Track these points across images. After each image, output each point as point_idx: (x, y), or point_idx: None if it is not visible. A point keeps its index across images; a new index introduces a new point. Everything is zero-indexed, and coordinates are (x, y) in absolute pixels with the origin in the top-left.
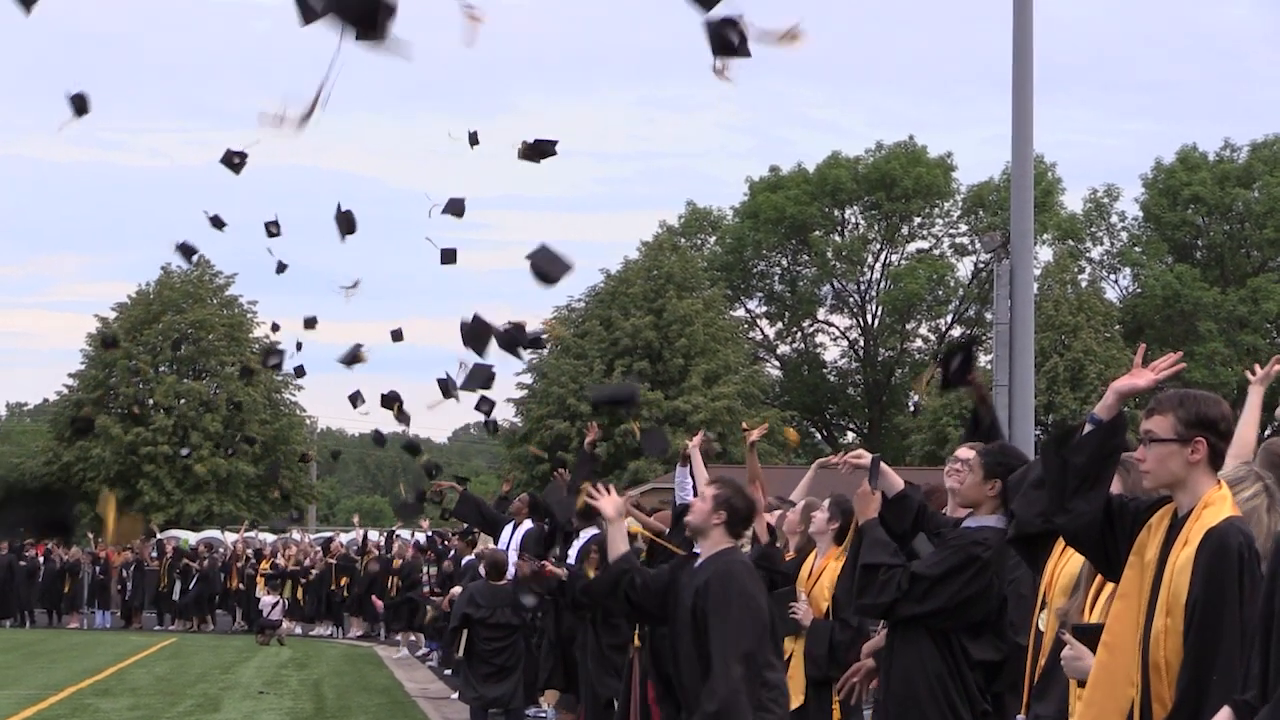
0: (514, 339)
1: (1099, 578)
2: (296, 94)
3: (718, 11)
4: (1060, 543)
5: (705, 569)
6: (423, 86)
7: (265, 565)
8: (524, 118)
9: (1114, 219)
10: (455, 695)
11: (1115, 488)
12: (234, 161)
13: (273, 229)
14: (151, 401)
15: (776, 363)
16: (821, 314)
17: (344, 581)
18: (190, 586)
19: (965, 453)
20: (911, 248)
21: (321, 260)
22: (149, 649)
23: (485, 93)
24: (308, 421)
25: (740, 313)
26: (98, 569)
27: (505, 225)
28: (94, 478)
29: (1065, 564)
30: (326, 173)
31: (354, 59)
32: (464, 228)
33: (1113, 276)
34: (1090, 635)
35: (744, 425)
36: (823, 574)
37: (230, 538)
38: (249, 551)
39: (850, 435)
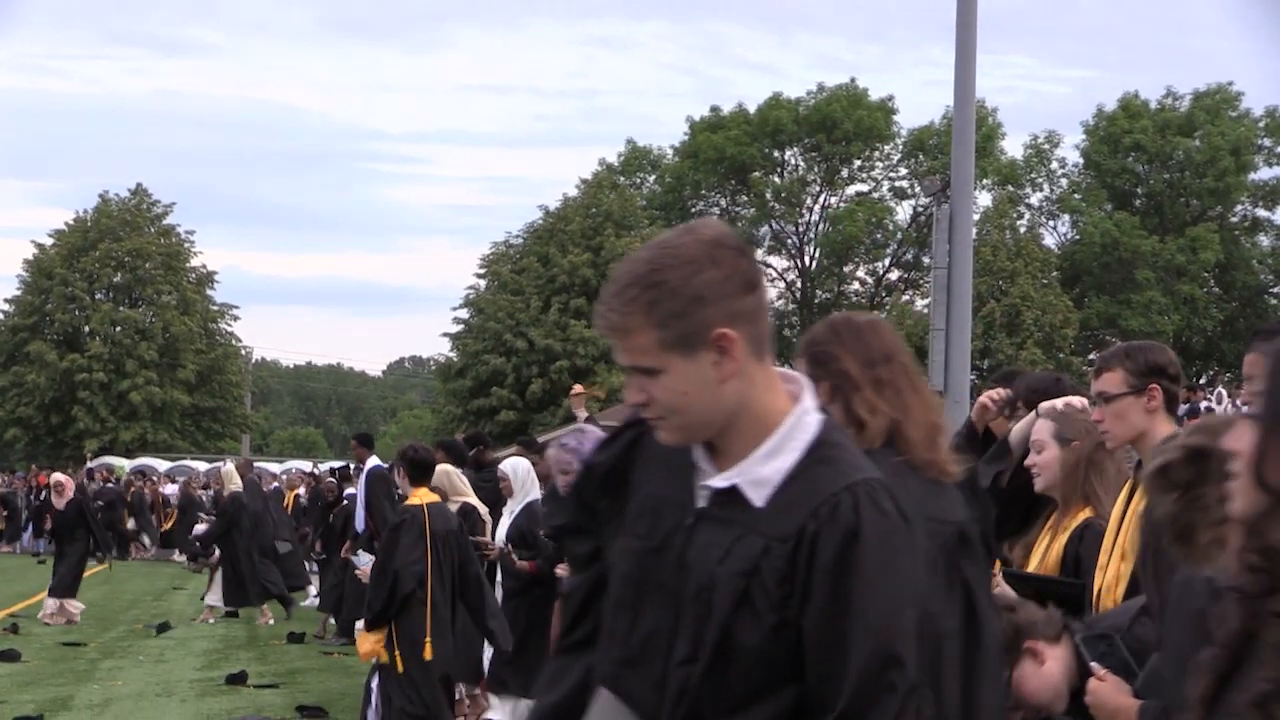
0: None
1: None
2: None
3: None
4: (1048, 527)
5: None
6: (360, 21)
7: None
8: (462, 53)
9: (1054, 165)
10: None
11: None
12: None
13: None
14: (87, 329)
15: None
16: (760, 255)
17: None
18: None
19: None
20: (851, 190)
21: (259, 190)
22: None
23: (422, 27)
24: (243, 352)
25: None
26: (33, 495)
27: (444, 160)
28: (29, 403)
29: (1056, 544)
30: (264, 103)
31: None
32: (402, 161)
33: (1052, 223)
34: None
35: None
36: None
37: (163, 465)
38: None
39: None
